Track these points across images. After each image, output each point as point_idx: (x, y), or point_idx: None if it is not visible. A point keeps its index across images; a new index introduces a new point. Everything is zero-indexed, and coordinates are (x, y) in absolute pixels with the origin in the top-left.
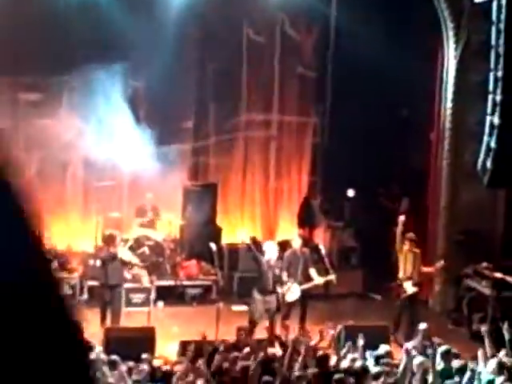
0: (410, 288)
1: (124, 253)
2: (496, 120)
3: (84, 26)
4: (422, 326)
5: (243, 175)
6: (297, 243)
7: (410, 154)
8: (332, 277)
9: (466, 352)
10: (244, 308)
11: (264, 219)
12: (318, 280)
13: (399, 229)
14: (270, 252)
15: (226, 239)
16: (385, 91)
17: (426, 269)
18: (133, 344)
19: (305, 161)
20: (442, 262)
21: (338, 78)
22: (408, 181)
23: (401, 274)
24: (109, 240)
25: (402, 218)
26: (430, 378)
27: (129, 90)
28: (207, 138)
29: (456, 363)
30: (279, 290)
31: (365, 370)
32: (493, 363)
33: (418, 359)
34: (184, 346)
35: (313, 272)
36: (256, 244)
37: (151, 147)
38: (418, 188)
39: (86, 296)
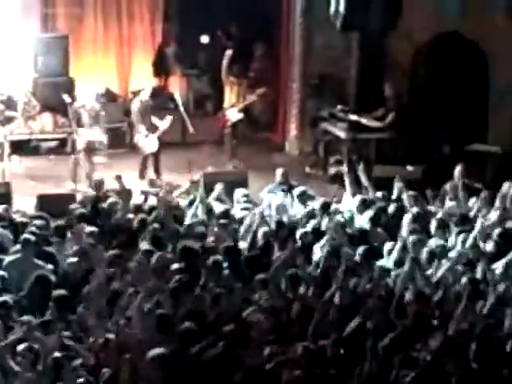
0: (234, 115)
1: None
2: None
3: None
4: (280, 169)
5: (95, 25)
6: (145, 94)
7: None
8: (168, 120)
9: (322, 194)
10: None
11: (119, 69)
12: (163, 125)
13: (225, 62)
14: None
15: (80, 91)
16: None
17: (249, 97)
18: None
19: (158, 8)
20: (264, 89)
21: None
22: (261, 26)
23: (225, 104)
24: None
25: (228, 52)
26: (285, 218)
27: None
28: None
29: (314, 204)
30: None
31: (229, 214)
32: (356, 200)
33: (275, 201)
34: (42, 199)
35: (155, 119)
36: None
37: None
38: (271, 33)
39: None
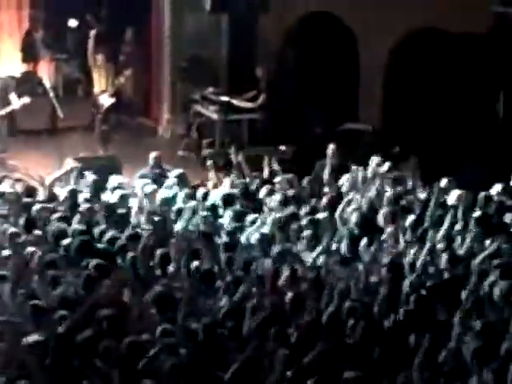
0: (106, 100)
1: None
2: None
3: None
4: (153, 153)
5: None
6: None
7: None
8: (22, 100)
9: (195, 177)
10: None
11: None
12: (16, 104)
13: (90, 45)
14: None
15: None
16: None
17: (117, 80)
18: None
19: None
20: (130, 71)
21: None
22: (130, 9)
23: (96, 89)
24: None
25: (93, 31)
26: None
27: None
28: None
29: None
30: None
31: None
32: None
33: (149, 187)
34: None
35: (13, 96)
36: None
37: None
38: (142, 16)
39: None
